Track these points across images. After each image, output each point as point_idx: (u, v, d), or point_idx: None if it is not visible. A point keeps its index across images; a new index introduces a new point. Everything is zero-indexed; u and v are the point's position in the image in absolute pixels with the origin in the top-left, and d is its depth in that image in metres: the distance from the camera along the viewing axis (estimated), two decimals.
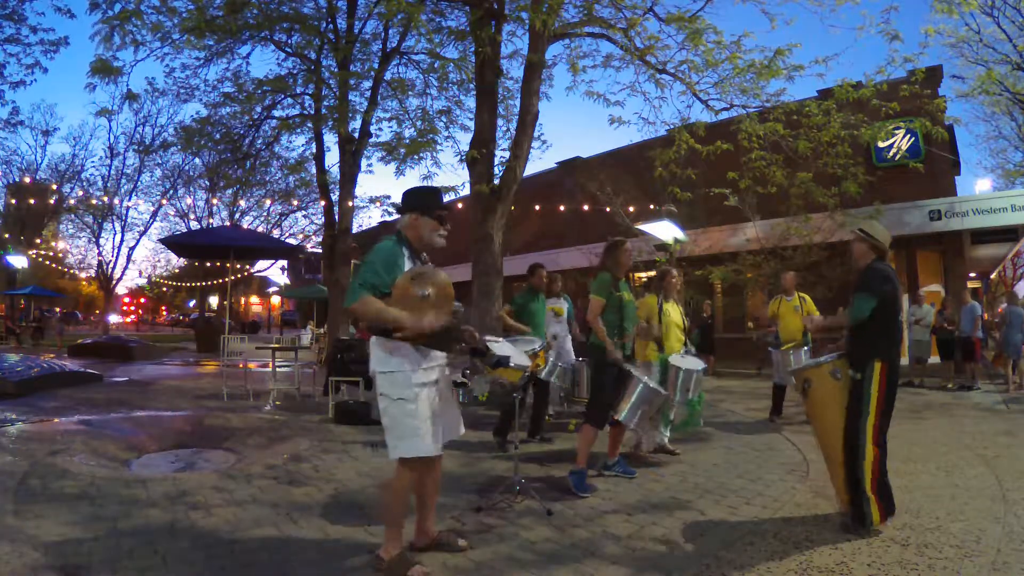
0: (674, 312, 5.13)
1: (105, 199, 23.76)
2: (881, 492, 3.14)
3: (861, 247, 3.47)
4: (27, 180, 24.65)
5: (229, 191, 22.50)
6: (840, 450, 3.26)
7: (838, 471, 3.33)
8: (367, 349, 2.84)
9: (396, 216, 2.91)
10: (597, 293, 4.11)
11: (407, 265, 2.69)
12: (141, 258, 42.01)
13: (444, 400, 2.80)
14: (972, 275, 19.60)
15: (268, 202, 24.46)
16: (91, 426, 5.68)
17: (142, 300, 58.45)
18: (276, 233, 26.11)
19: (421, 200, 2.83)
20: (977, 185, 22.97)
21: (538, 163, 43.04)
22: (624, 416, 4.07)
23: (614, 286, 4.13)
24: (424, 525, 2.89)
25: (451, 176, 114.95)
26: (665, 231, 10.74)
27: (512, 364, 3.22)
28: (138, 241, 26.50)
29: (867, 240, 3.44)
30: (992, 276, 26.39)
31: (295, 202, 22.74)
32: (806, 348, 6.18)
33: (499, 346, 3.33)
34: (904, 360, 10.77)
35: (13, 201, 24.79)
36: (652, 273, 5.23)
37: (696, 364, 4.85)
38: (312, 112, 12.32)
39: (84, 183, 25.57)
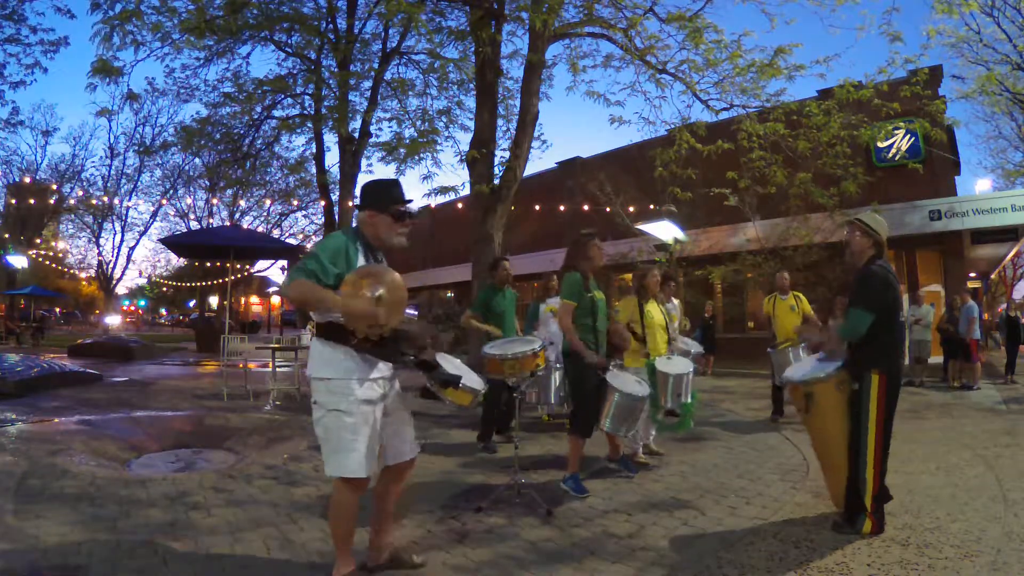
0: (656, 313, 4.91)
1: (105, 199, 23.81)
2: (877, 507, 3.10)
3: (863, 242, 3.22)
4: (27, 180, 24.66)
5: (229, 191, 22.51)
6: (844, 458, 3.19)
7: (837, 477, 3.29)
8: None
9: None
10: (567, 296, 3.94)
11: (360, 261, 2.43)
12: (141, 258, 42.26)
13: (393, 418, 2.54)
14: (972, 275, 19.58)
15: (268, 202, 24.48)
16: (91, 426, 5.67)
17: (133, 308, 59.05)
18: (276, 233, 26.13)
19: (376, 196, 2.53)
20: (977, 185, 22.96)
21: (538, 163, 43.21)
22: (609, 427, 3.99)
23: (585, 286, 3.97)
24: (377, 540, 2.64)
25: (451, 176, 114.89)
26: (665, 231, 10.76)
27: (462, 386, 2.81)
28: (138, 241, 26.64)
29: (869, 235, 3.20)
30: (992, 276, 26.38)
31: (295, 202, 22.76)
32: (803, 346, 6.13)
33: (449, 364, 2.89)
34: (904, 360, 10.76)
35: (13, 201, 24.80)
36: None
37: (685, 367, 4.66)
38: (312, 112, 12.32)
39: (84, 183, 25.66)
